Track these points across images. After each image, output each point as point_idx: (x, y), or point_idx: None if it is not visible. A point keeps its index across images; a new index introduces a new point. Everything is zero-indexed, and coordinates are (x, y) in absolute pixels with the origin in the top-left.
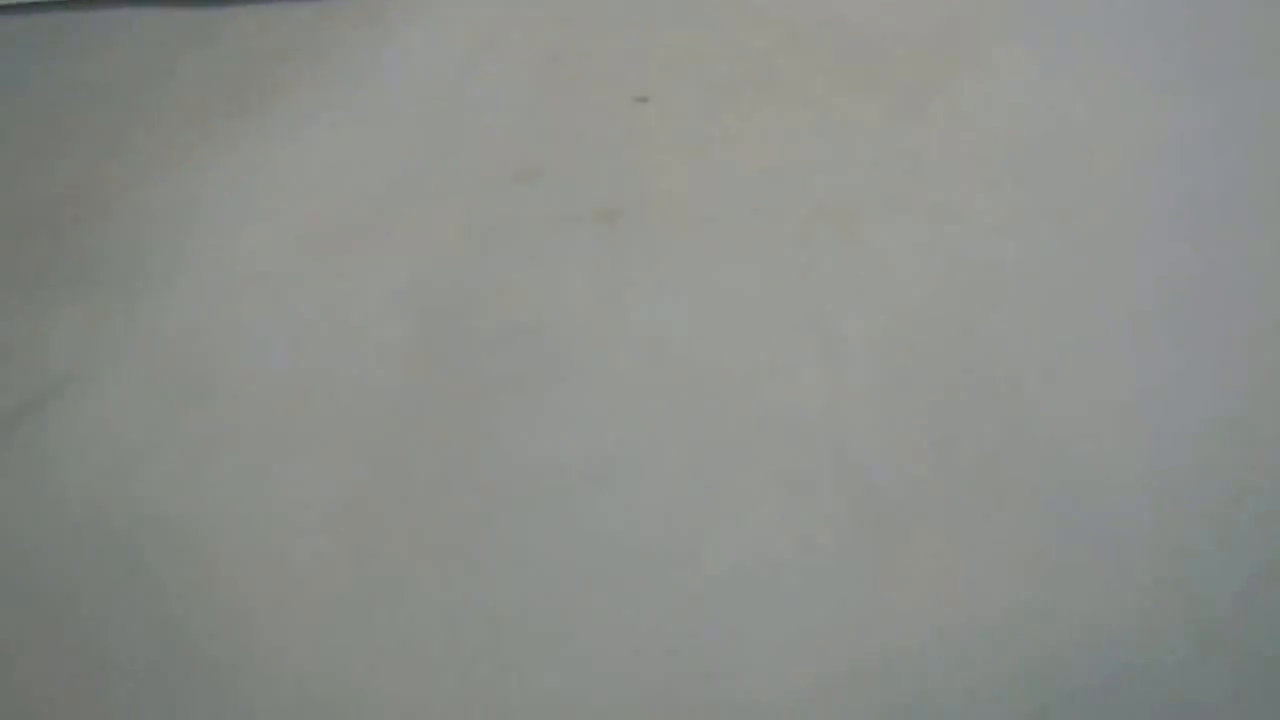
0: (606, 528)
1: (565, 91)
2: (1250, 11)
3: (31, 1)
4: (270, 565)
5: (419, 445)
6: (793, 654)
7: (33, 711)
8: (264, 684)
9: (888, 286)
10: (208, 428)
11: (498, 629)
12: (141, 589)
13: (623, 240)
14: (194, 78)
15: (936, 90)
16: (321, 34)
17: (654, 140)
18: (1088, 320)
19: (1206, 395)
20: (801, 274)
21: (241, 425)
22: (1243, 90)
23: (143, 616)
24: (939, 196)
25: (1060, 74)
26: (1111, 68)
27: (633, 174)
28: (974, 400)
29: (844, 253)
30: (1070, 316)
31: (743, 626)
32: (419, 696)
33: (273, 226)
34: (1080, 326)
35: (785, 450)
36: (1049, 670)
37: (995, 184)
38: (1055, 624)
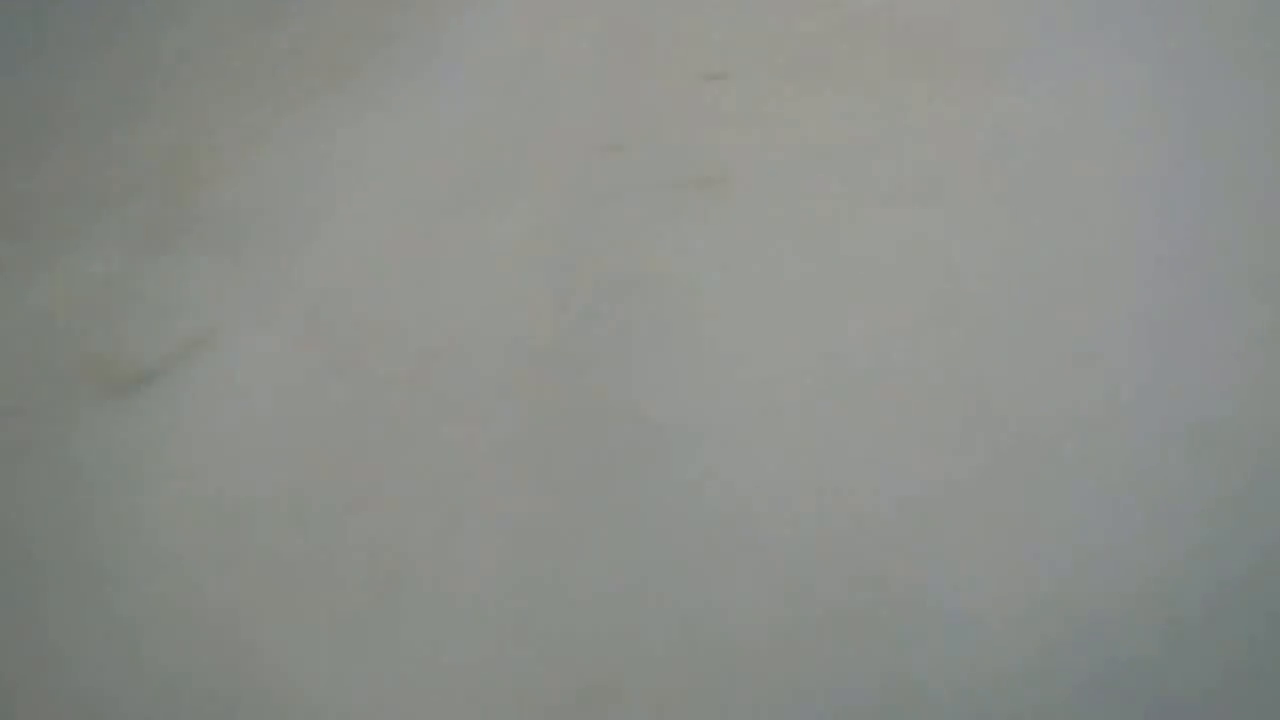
0: (733, 482)
1: (637, 69)
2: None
3: None
4: (436, 530)
5: (569, 394)
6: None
7: (169, 696)
8: (443, 643)
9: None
10: (356, 394)
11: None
12: (276, 575)
13: (731, 204)
14: (284, 47)
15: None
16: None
17: (734, 116)
18: (1154, 305)
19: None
20: (913, 242)
21: (394, 387)
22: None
23: (277, 603)
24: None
25: (1118, 64)
26: (1174, 52)
27: (721, 147)
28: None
29: (940, 222)
30: (1137, 300)
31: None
32: (586, 626)
33: (393, 189)
34: (1143, 313)
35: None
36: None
37: (1049, 171)
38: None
